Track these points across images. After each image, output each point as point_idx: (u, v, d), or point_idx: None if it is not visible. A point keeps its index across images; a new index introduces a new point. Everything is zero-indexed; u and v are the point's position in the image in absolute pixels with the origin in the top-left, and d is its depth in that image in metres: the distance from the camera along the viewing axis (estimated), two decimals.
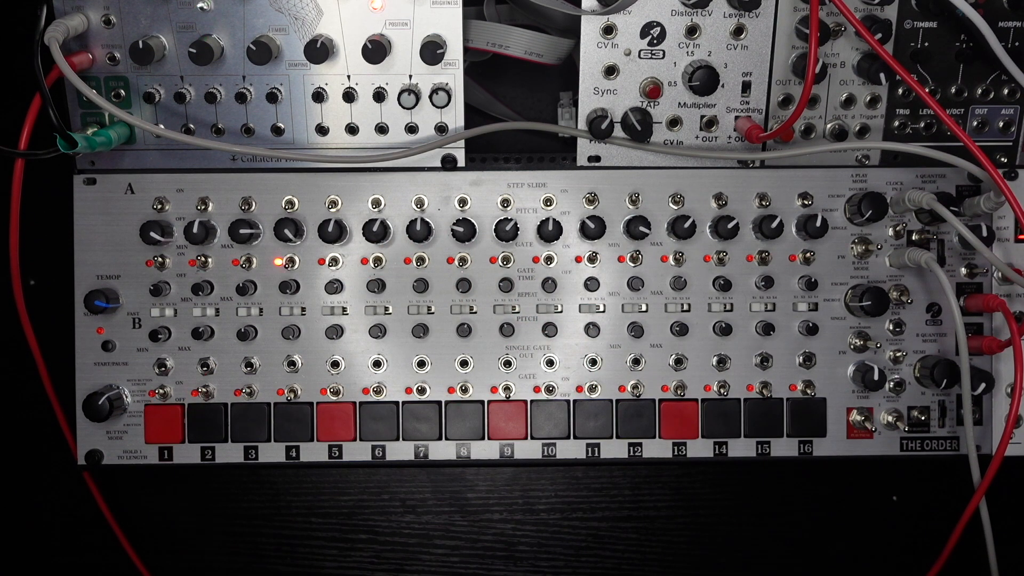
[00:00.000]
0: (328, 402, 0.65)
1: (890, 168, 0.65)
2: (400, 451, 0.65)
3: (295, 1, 0.61)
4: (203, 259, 0.64)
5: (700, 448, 0.65)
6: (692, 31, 0.62)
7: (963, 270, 0.65)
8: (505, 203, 0.64)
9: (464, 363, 0.65)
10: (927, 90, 0.63)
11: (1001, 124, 0.66)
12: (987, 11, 0.61)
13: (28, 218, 0.63)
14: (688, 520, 0.77)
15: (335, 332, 0.64)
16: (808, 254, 0.64)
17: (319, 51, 0.60)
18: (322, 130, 0.64)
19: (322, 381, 0.65)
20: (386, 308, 0.65)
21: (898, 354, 0.65)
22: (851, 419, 0.65)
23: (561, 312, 0.65)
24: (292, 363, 0.64)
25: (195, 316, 0.64)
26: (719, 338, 0.65)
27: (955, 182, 0.65)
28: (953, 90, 0.65)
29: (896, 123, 0.66)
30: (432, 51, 0.61)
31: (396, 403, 0.65)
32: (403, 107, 0.63)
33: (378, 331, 0.64)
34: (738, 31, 0.62)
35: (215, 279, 0.64)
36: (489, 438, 0.65)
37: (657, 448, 0.65)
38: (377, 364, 0.65)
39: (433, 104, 0.63)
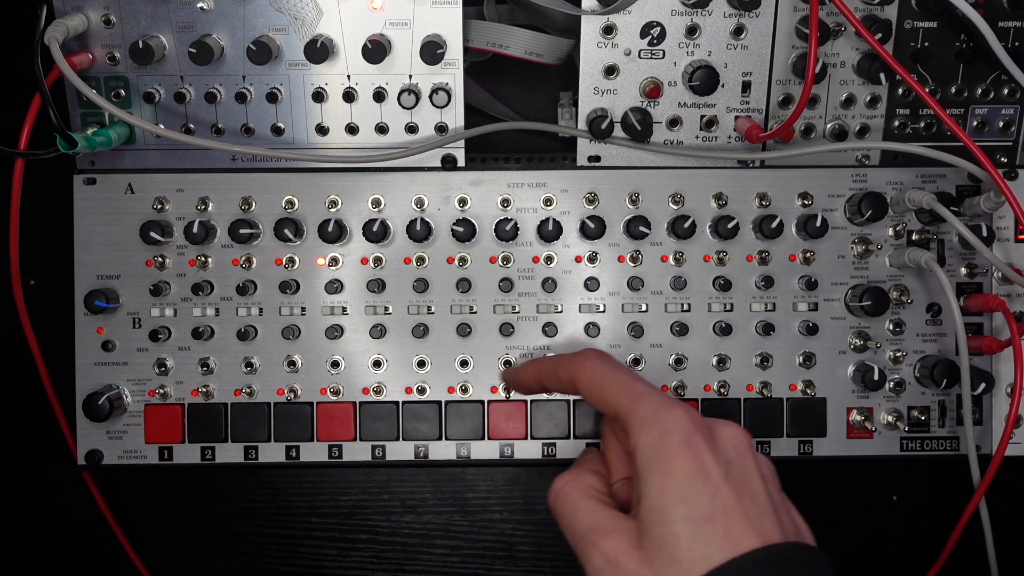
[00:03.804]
0: (328, 402, 0.65)
1: (890, 168, 0.65)
2: (400, 451, 0.65)
3: (295, 1, 0.61)
4: (203, 259, 0.64)
5: None
6: (692, 31, 0.62)
7: (963, 270, 0.65)
8: (505, 203, 0.64)
9: (464, 363, 0.65)
10: (927, 90, 0.63)
11: (1001, 124, 0.66)
12: (987, 11, 0.61)
13: (28, 218, 0.63)
14: None
15: (335, 332, 0.64)
16: (808, 254, 0.64)
17: (319, 51, 0.61)
18: (322, 130, 0.64)
19: (322, 381, 0.65)
20: (386, 308, 0.65)
21: (898, 354, 0.65)
22: (851, 419, 0.65)
23: (561, 312, 0.65)
24: (292, 363, 0.64)
25: (195, 316, 0.64)
26: (719, 338, 0.65)
27: (955, 182, 0.65)
28: (953, 90, 0.65)
29: (896, 123, 0.66)
30: (432, 51, 0.61)
31: (396, 403, 0.65)
32: (403, 107, 0.63)
33: (378, 331, 0.64)
34: (738, 31, 0.62)
35: (215, 279, 0.64)
36: (489, 438, 0.65)
37: None
38: (377, 364, 0.65)
39: (433, 104, 0.63)
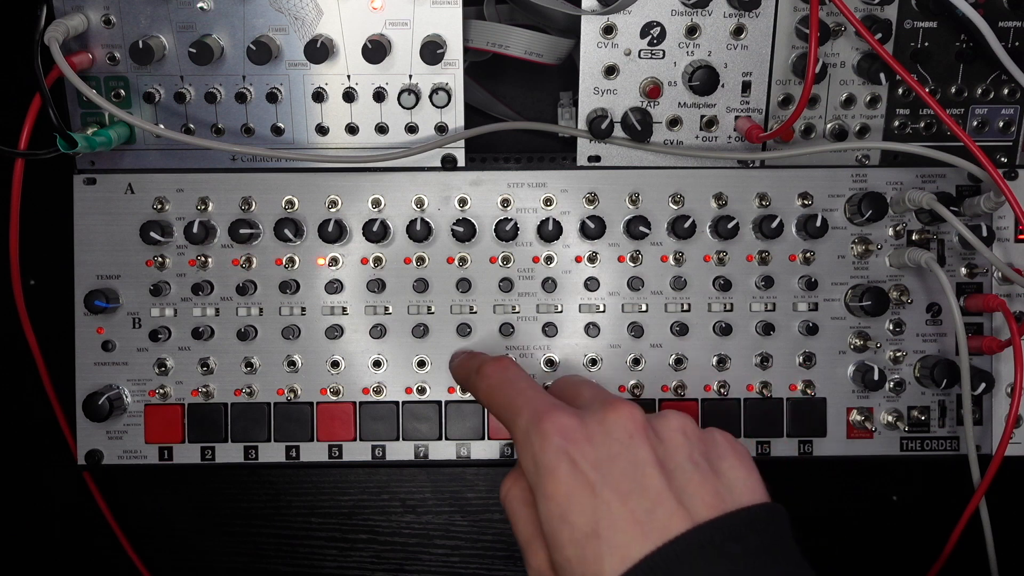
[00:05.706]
0: (328, 402, 0.65)
1: (890, 168, 0.65)
2: (400, 451, 0.65)
3: (295, 1, 0.61)
4: (203, 259, 0.64)
5: None
6: (692, 31, 0.62)
7: (963, 270, 0.65)
8: (505, 203, 0.64)
9: None
10: (927, 90, 0.63)
11: (1001, 124, 0.66)
12: (987, 11, 0.61)
13: (28, 218, 0.63)
14: None
15: (335, 332, 0.64)
16: (808, 254, 0.64)
17: (319, 51, 0.61)
18: (322, 130, 0.64)
19: (322, 381, 0.65)
20: (386, 308, 0.65)
21: (898, 354, 0.65)
22: (851, 419, 0.65)
23: (561, 312, 0.65)
24: (292, 363, 0.64)
25: (195, 316, 0.64)
26: (719, 338, 0.65)
27: (955, 182, 0.65)
28: (953, 90, 0.65)
29: (896, 123, 0.66)
30: (432, 51, 0.61)
31: (396, 403, 0.65)
32: (403, 107, 0.63)
33: (378, 331, 0.64)
34: (738, 31, 0.62)
35: (215, 279, 0.64)
36: (489, 438, 0.65)
37: None
38: (377, 364, 0.65)
39: (433, 104, 0.63)
